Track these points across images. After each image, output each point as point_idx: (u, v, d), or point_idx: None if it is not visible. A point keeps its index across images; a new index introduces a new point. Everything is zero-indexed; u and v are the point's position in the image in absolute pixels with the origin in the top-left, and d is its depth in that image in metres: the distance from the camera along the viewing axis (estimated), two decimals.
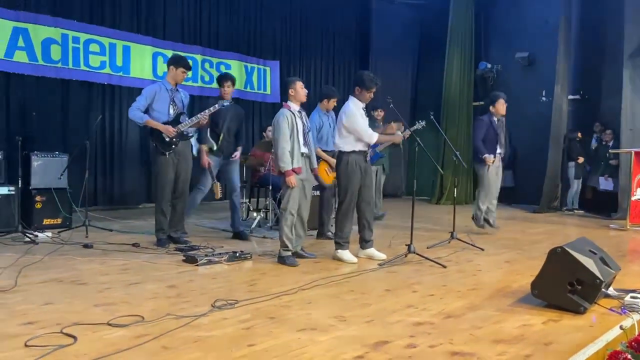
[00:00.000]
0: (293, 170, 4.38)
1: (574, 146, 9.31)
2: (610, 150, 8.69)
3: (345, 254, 4.57)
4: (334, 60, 11.50)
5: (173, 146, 4.86)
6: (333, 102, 5.73)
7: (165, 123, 4.84)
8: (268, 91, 10.30)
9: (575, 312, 3.04)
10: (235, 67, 9.72)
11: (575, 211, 9.20)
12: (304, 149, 4.50)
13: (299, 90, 4.51)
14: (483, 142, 6.22)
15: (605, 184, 8.96)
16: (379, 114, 7.26)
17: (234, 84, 5.66)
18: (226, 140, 5.53)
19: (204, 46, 9.25)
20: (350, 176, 4.55)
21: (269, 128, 7.01)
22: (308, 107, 4.84)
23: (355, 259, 4.55)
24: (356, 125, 4.51)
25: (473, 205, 6.54)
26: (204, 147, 5.44)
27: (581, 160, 9.21)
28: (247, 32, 9.94)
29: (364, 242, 4.76)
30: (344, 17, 11.65)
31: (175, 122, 4.89)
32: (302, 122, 4.52)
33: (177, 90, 5.01)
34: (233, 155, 5.63)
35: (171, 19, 8.79)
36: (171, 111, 4.93)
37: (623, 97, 8.27)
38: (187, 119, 4.95)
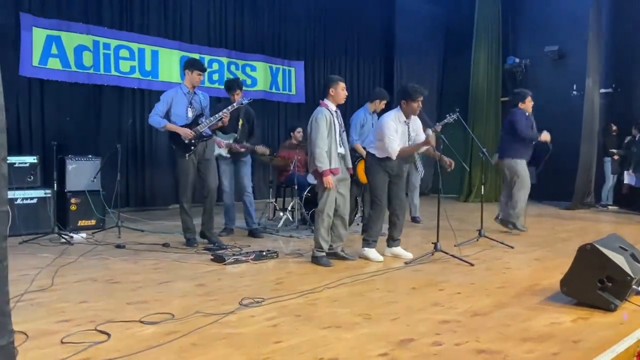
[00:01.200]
0: (331, 171, 4.31)
1: (611, 141, 9.07)
2: None
3: (371, 252, 4.58)
4: (358, 59, 11.48)
5: (192, 147, 4.98)
6: (383, 104, 5.81)
7: (183, 126, 4.96)
8: (293, 91, 10.36)
9: (606, 309, 2.98)
10: (261, 68, 9.82)
11: (609, 207, 8.97)
12: (340, 149, 4.44)
13: (340, 91, 4.42)
14: (517, 139, 6.03)
15: (629, 178, 8.72)
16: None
17: (242, 90, 5.80)
18: (239, 140, 5.72)
19: (229, 48, 9.37)
20: (375, 176, 4.58)
21: (298, 129, 7.09)
22: (343, 108, 4.78)
23: (381, 258, 4.56)
24: (384, 137, 4.50)
25: (503, 206, 6.34)
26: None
27: (617, 157, 8.97)
28: (272, 33, 10.02)
29: (392, 241, 4.75)
30: (367, 16, 11.62)
31: (193, 124, 4.99)
32: (339, 122, 4.45)
33: (194, 93, 5.12)
34: (245, 145, 5.71)
35: (197, 23, 8.94)
36: (189, 114, 5.04)
37: None
38: (205, 120, 5.04)
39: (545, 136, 6.06)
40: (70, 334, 2.59)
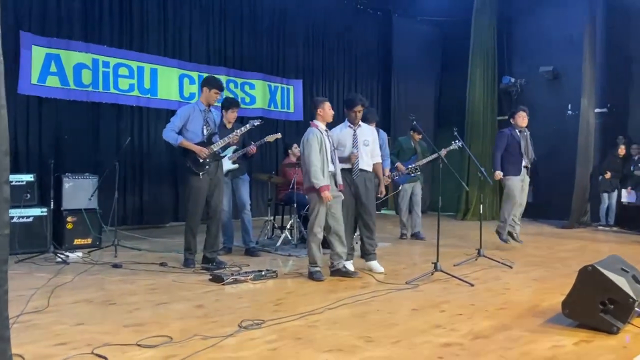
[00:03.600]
0: (326, 186, 4.44)
1: (609, 161, 9.08)
2: (639, 165, 8.48)
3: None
4: (356, 78, 11.58)
5: (207, 167, 4.92)
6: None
7: (198, 144, 4.92)
8: (291, 109, 10.40)
9: (608, 332, 2.96)
10: (259, 86, 9.87)
11: (608, 227, 8.96)
12: (331, 167, 4.57)
13: (327, 110, 4.64)
14: (505, 155, 6.22)
15: (627, 196, 8.74)
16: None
17: (238, 109, 5.83)
18: (237, 157, 5.74)
19: (228, 67, 9.43)
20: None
21: (295, 145, 7.12)
22: (332, 125, 4.88)
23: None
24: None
25: (501, 229, 6.43)
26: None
27: (608, 175, 9.00)
28: (271, 52, 10.11)
29: (366, 255, 4.93)
30: (365, 35, 11.75)
31: (208, 142, 4.96)
32: (329, 141, 4.61)
33: (209, 111, 5.09)
34: (248, 149, 5.77)
35: (196, 41, 9.00)
36: (204, 132, 4.98)
37: None
38: (219, 139, 5.02)
39: (498, 175, 6.23)
40: (67, 357, 2.55)
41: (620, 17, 9.36)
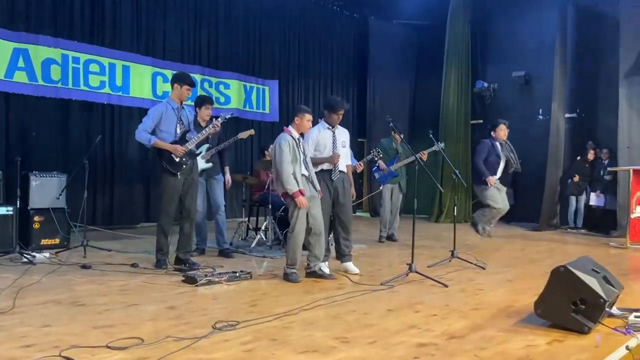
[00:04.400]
0: (300, 191, 4.42)
1: (578, 166, 9.30)
2: (608, 168, 8.72)
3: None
4: (332, 79, 11.60)
5: (183, 166, 4.81)
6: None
7: (172, 143, 4.80)
8: (267, 110, 10.34)
9: (580, 332, 3.01)
10: (235, 86, 9.79)
11: (578, 229, 9.17)
12: (304, 172, 4.56)
13: (305, 122, 4.60)
14: (484, 165, 6.26)
15: (596, 200, 8.98)
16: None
17: (212, 106, 5.76)
18: (211, 156, 5.67)
19: (203, 66, 9.32)
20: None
21: (271, 146, 7.06)
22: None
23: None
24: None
25: (478, 219, 6.48)
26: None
27: (576, 178, 9.22)
28: (246, 51, 10.04)
29: (341, 256, 4.92)
30: (341, 37, 11.79)
31: (182, 140, 4.84)
32: (300, 149, 4.57)
33: (182, 108, 4.96)
34: (226, 182, 5.87)
35: (171, 39, 8.87)
36: (178, 130, 4.86)
37: (619, 116, 8.32)
38: (192, 136, 4.91)
39: (492, 180, 6.22)
40: (33, 359, 2.45)
41: (590, 23, 9.62)
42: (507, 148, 6.38)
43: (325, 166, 4.82)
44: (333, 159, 4.81)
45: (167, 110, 4.86)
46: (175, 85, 4.89)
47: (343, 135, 4.99)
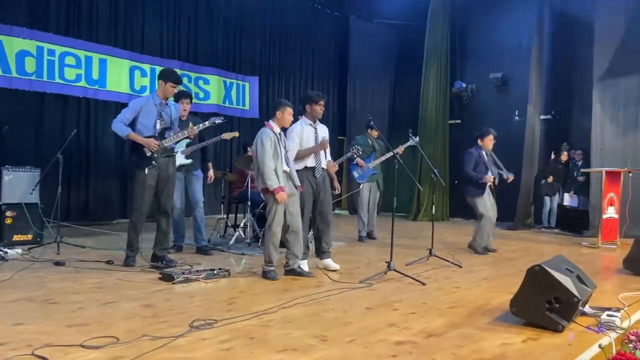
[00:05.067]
0: (280, 187, 4.41)
1: (551, 166, 9.48)
2: (581, 170, 8.91)
3: (301, 264, 4.74)
4: (312, 77, 11.59)
5: (153, 161, 4.72)
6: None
7: (147, 137, 4.72)
8: (247, 106, 10.28)
9: (554, 330, 3.06)
10: (214, 82, 9.70)
11: (551, 229, 9.35)
12: (286, 167, 4.56)
13: (287, 116, 4.61)
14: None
15: (570, 200, 9.19)
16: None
17: (191, 101, 5.70)
18: (191, 152, 5.63)
19: (182, 60, 9.21)
20: (302, 191, 4.73)
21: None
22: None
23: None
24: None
25: (475, 244, 6.33)
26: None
27: (551, 179, 9.40)
28: (227, 47, 9.95)
29: (321, 253, 4.94)
30: (323, 35, 11.78)
31: (160, 136, 4.76)
32: (282, 144, 4.57)
33: (166, 104, 4.88)
34: (209, 178, 5.84)
35: (149, 33, 8.74)
36: (157, 126, 4.77)
37: (593, 118, 8.50)
38: (172, 134, 4.83)
39: (490, 178, 6.22)
40: (6, 358, 2.39)
41: (566, 27, 9.80)
42: (491, 159, 6.35)
43: (309, 163, 4.80)
44: (323, 145, 4.81)
45: (149, 104, 4.79)
46: (160, 81, 4.84)
47: (324, 131, 5.00)
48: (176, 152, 5.07)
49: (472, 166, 6.20)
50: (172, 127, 4.91)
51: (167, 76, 4.84)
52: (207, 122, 5.05)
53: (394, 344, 2.82)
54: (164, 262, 4.82)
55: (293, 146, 4.72)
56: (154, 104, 4.81)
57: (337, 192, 5.30)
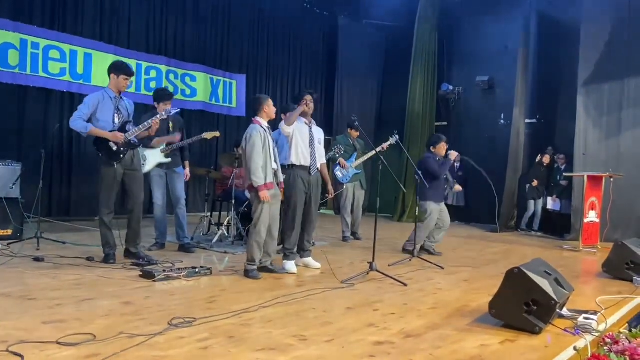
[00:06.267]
0: (265, 185, 4.43)
1: (535, 170, 9.59)
2: (564, 174, 9.02)
3: (287, 264, 4.77)
4: (300, 76, 11.58)
5: (121, 155, 4.67)
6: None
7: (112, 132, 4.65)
8: (234, 104, 10.24)
9: (531, 332, 3.10)
10: (201, 79, 9.64)
11: (533, 232, 9.45)
12: (274, 165, 4.56)
13: (272, 107, 4.64)
14: (432, 182, 6.00)
15: (553, 204, 9.32)
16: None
17: (171, 101, 5.64)
18: (171, 151, 5.58)
19: (169, 57, 9.14)
20: (294, 189, 4.75)
21: None
22: (272, 123, 4.83)
23: (295, 270, 4.75)
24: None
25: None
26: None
27: (535, 183, 9.50)
28: (214, 44, 9.90)
29: (302, 251, 4.98)
30: (311, 35, 11.77)
31: (121, 130, 4.68)
32: (272, 138, 4.59)
33: (121, 98, 4.80)
34: (185, 176, 5.78)
35: (136, 28, 8.66)
36: (116, 120, 4.70)
37: (577, 123, 8.59)
38: (133, 127, 4.75)
39: (453, 154, 6.14)
40: None
41: (552, 32, 9.90)
42: (446, 165, 6.22)
43: (303, 162, 4.79)
44: (306, 103, 4.78)
45: (104, 99, 4.71)
46: (112, 75, 4.73)
47: (319, 133, 5.02)
48: (138, 146, 4.92)
49: (437, 166, 6.12)
50: (131, 121, 4.82)
51: (119, 69, 4.74)
52: (163, 113, 4.89)
53: (372, 344, 2.83)
54: (141, 258, 4.77)
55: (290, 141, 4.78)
56: (110, 98, 4.73)
57: (331, 196, 5.30)
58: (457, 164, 10.17)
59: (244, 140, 4.54)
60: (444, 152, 6.27)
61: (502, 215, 9.55)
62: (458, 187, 6.32)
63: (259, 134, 4.43)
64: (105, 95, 4.74)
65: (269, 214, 4.50)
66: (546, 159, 9.49)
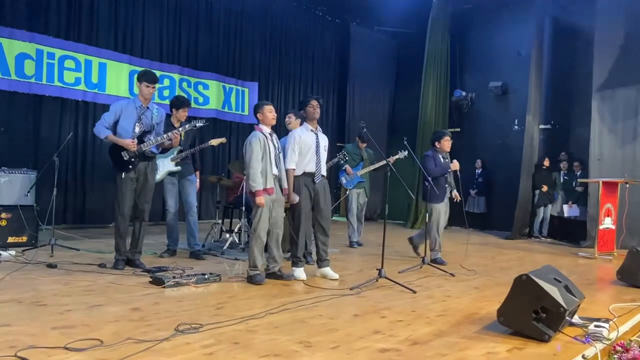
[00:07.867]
0: (265, 190, 4.45)
1: (540, 174, 9.50)
2: (578, 180, 8.91)
3: (295, 271, 4.75)
4: (312, 83, 11.62)
5: (130, 165, 4.71)
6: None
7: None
8: (246, 112, 10.31)
9: (540, 340, 3.05)
10: (214, 87, 9.74)
11: (543, 239, 9.33)
12: (275, 171, 4.57)
13: (267, 114, 4.63)
14: (433, 182, 5.95)
15: (569, 211, 9.18)
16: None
17: (189, 108, 5.69)
18: (181, 159, 5.62)
19: (182, 65, 9.26)
20: (298, 196, 4.70)
21: None
22: (278, 129, 4.85)
23: (304, 276, 4.70)
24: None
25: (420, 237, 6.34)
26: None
27: (545, 188, 9.38)
28: (227, 52, 10.00)
29: (320, 262, 4.89)
30: (323, 42, 11.82)
31: (138, 140, 4.73)
32: (274, 144, 4.60)
33: (147, 108, 4.84)
34: (196, 185, 5.82)
35: (149, 37, 8.79)
36: (136, 129, 4.75)
37: (591, 129, 8.50)
38: (152, 138, 4.79)
39: (455, 165, 6.14)
40: None
41: (566, 37, 9.83)
42: (447, 163, 6.17)
43: (308, 169, 4.77)
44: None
45: (129, 106, 4.78)
46: (137, 83, 4.82)
47: (324, 140, 5.00)
48: (155, 155, 4.96)
49: (433, 166, 6.08)
50: (153, 132, 4.85)
51: (140, 77, 4.80)
52: (187, 126, 5.00)
53: (377, 351, 2.81)
54: (136, 267, 4.80)
55: (290, 153, 4.71)
56: (135, 107, 4.79)
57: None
58: (477, 170, 10.15)
59: (244, 147, 4.59)
60: (448, 148, 6.21)
61: (516, 222, 9.45)
62: (456, 194, 6.25)
63: (257, 141, 4.48)
64: (131, 103, 4.81)
65: (268, 219, 4.51)
66: (546, 162, 9.40)
